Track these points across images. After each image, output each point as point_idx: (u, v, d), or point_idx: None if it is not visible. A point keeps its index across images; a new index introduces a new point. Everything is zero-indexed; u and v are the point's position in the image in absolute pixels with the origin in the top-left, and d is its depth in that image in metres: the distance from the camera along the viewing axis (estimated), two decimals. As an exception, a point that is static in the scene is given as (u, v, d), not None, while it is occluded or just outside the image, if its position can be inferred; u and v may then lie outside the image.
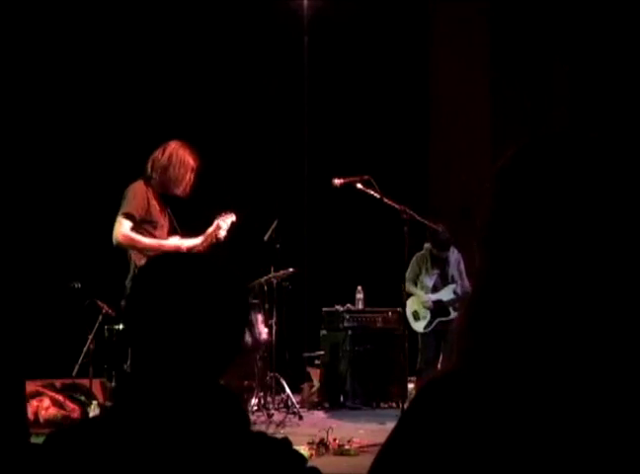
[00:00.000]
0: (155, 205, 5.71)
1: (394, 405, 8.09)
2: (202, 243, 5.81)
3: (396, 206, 6.22)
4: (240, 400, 1.59)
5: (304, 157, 10.03)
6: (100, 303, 7.30)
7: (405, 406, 6.10)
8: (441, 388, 1.10)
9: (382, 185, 6.28)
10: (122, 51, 9.03)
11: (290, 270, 7.53)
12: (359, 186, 6.25)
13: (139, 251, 5.52)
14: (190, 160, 5.77)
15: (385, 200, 6.21)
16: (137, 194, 5.66)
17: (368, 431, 6.53)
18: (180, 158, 5.74)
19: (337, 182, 6.26)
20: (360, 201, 6.77)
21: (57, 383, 6.93)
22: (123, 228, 5.56)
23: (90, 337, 7.15)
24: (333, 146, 9.74)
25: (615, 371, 1.04)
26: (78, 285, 7.28)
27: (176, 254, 2.35)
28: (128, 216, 5.57)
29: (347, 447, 5.72)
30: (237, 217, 5.96)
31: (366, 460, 5.41)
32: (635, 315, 1.04)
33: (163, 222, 5.76)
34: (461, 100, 10.04)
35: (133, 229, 5.57)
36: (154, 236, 5.66)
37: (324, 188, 6.64)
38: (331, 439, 5.78)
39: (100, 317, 7.29)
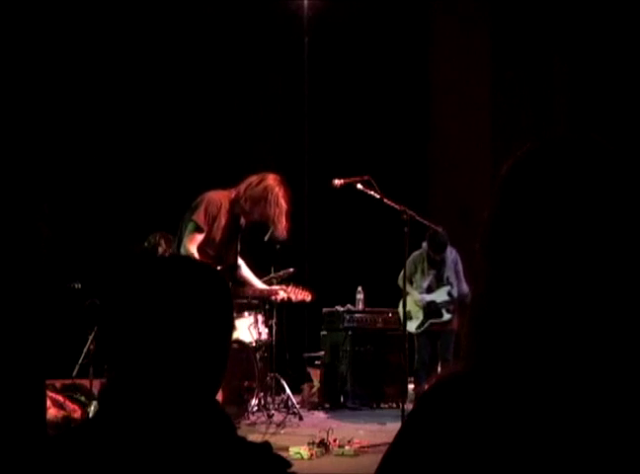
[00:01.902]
0: (222, 223, 5.68)
1: (394, 405, 8.08)
2: (258, 292, 6.09)
3: (396, 207, 6.22)
4: (221, 406, 1.56)
5: (304, 157, 10.03)
6: (100, 304, 7.30)
7: (405, 406, 6.09)
8: (447, 390, 1.10)
9: (382, 185, 6.28)
10: (123, 54, 9.03)
11: (290, 270, 7.53)
12: (359, 186, 6.24)
13: None
14: (283, 202, 5.72)
15: (385, 201, 6.20)
16: (212, 204, 5.65)
17: (368, 431, 6.52)
18: (275, 197, 5.69)
19: (337, 182, 6.25)
20: (361, 202, 6.77)
21: (57, 384, 6.92)
22: (193, 245, 5.59)
23: (90, 337, 7.15)
24: (333, 146, 9.74)
25: (617, 371, 1.04)
26: (78, 286, 7.28)
27: (159, 259, 2.36)
28: (199, 229, 5.59)
29: (347, 448, 5.72)
30: (312, 299, 6.35)
31: (366, 461, 5.44)
32: (635, 318, 1.05)
33: (218, 241, 5.72)
34: (461, 100, 10.04)
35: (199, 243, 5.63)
36: (206, 251, 5.65)
37: (324, 188, 6.63)
38: (331, 440, 5.77)
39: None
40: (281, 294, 6.16)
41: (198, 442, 1.46)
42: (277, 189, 5.75)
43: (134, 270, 1.62)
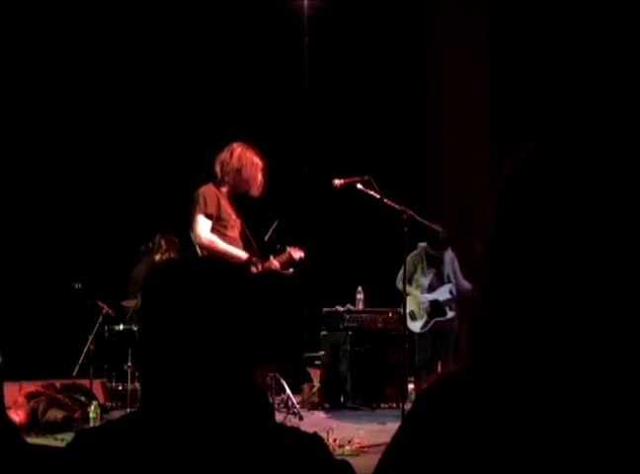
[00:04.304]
0: (226, 206, 5.96)
1: (394, 405, 8.08)
2: (276, 265, 6.31)
3: (396, 207, 6.22)
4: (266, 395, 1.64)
5: (304, 157, 10.02)
6: (100, 304, 7.30)
7: (405, 407, 6.09)
8: (443, 391, 1.10)
9: (382, 185, 6.28)
10: (122, 53, 9.03)
11: (290, 270, 7.52)
12: (359, 186, 6.24)
13: (215, 255, 5.71)
14: (257, 160, 6.05)
15: (385, 201, 6.20)
16: (209, 194, 5.91)
17: (368, 431, 6.52)
18: (249, 159, 6.01)
19: (337, 182, 6.25)
20: (361, 202, 6.77)
21: (57, 384, 6.93)
22: (205, 230, 5.83)
23: (90, 337, 7.15)
24: (333, 146, 9.74)
25: (616, 373, 1.04)
26: (78, 286, 7.28)
27: (189, 257, 2.43)
28: (207, 216, 5.84)
29: (347, 448, 5.71)
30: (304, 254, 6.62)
31: (367, 461, 5.43)
32: (636, 319, 1.05)
33: (234, 223, 6.01)
34: (461, 100, 10.04)
35: (211, 228, 5.84)
36: (226, 235, 5.90)
37: (324, 188, 6.64)
38: (331, 440, 5.76)
39: (100, 317, 7.30)
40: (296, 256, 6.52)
41: (240, 427, 1.51)
42: (248, 152, 6.05)
43: (172, 271, 1.67)
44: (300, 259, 6.61)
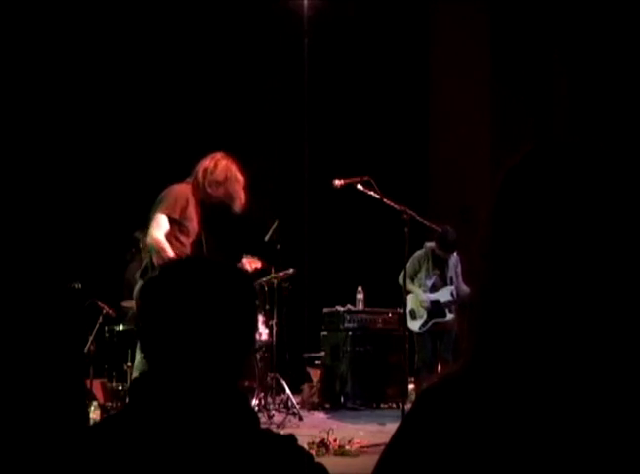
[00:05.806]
0: (192, 212, 5.79)
1: (394, 406, 8.08)
2: None
3: (396, 207, 6.22)
4: (248, 399, 1.63)
5: (304, 157, 10.03)
6: (100, 304, 7.30)
7: (405, 407, 6.09)
8: (443, 391, 1.11)
9: (382, 185, 6.28)
10: (122, 53, 9.04)
11: (291, 270, 7.53)
12: (359, 186, 6.24)
13: (158, 256, 5.57)
14: (240, 176, 5.93)
15: (385, 201, 6.21)
16: (179, 196, 5.73)
17: (368, 431, 6.52)
18: (234, 174, 5.89)
19: (337, 182, 6.25)
20: (361, 202, 6.77)
21: (57, 384, 6.92)
22: (159, 232, 5.63)
23: (90, 337, 7.16)
24: (333, 146, 9.74)
25: (615, 373, 1.04)
26: (78, 286, 7.28)
27: (188, 259, 2.40)
28: (169, 219, 5.66)
29: (347, 448, 5.71)
30: (262, 265, 6.45)
31: (367, 461, 5.43)
32: (634, 319, 1.05)
33: (192, 230, 5.83)
34: (461, 100, 10.04)
35: (166, 231, 5.66)
36: (177, 239, 5.71)
37: (324, 188, 6.64)
38: (331, 440, 5.77)
39: (100, 318, 7.30)
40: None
41: (225, 434, 1.51)
42: (233, 166, 5.94)
43: (167, 271, 1.67)
44: (256, 269, 6.51)
